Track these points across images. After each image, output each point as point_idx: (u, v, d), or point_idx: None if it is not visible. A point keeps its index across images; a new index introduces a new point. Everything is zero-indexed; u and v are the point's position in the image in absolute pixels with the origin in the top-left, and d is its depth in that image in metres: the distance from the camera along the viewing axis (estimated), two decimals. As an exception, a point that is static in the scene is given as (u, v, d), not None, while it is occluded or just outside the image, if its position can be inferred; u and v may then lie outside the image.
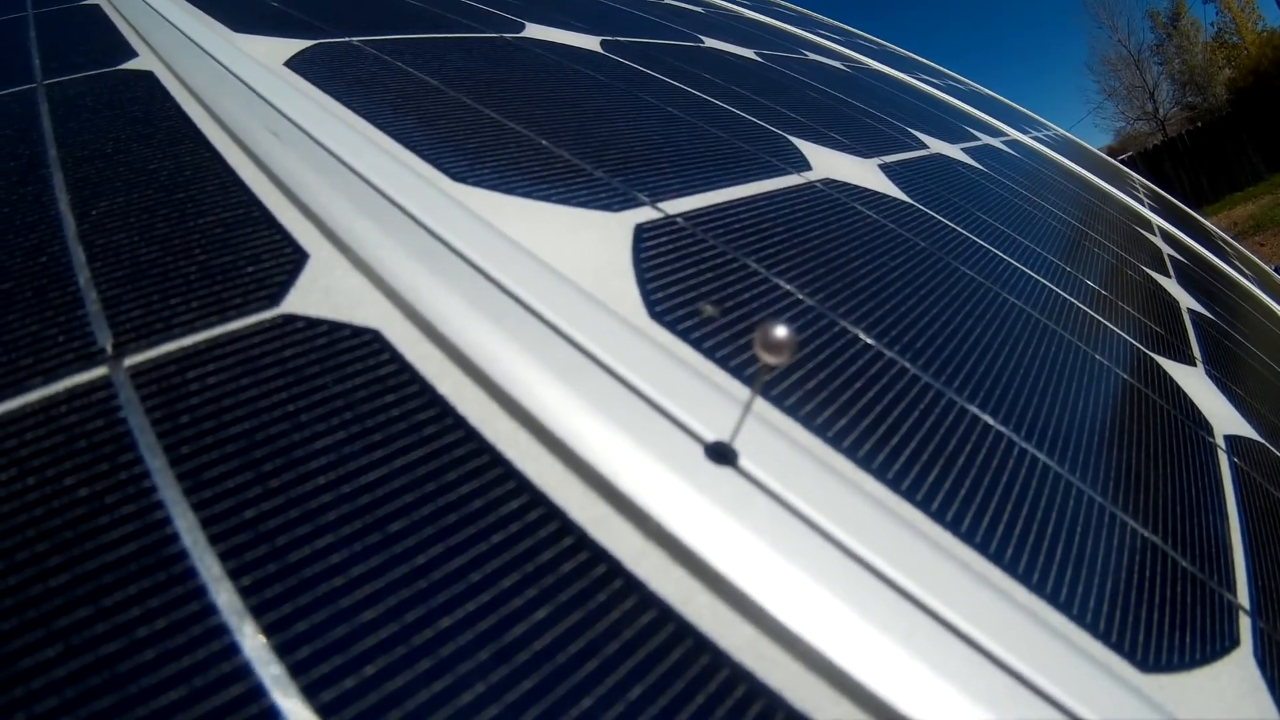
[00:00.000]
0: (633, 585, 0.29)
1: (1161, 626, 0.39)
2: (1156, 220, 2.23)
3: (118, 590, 0.27)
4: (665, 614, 0.29)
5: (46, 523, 0.29)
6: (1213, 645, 0.41)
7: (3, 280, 0.41)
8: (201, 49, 0.72)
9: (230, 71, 0.65)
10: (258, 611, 0.26)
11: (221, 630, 0.26)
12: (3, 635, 0.25)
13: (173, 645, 0.25)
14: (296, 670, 0.25)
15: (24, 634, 0.25)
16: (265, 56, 0.73)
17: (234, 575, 0.27)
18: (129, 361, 0.36)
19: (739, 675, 0.28)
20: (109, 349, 0.37)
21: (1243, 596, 0.47)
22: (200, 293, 0.40)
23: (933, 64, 3.92)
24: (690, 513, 0.31)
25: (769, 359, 0.31)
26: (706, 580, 0.30)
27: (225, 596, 0.27)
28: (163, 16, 0.84)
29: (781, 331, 0.31)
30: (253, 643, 0.25)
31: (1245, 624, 0.45)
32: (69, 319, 0.39)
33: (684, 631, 0.28)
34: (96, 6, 0.98)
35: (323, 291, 0.40)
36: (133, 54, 0.76)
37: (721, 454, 0.34)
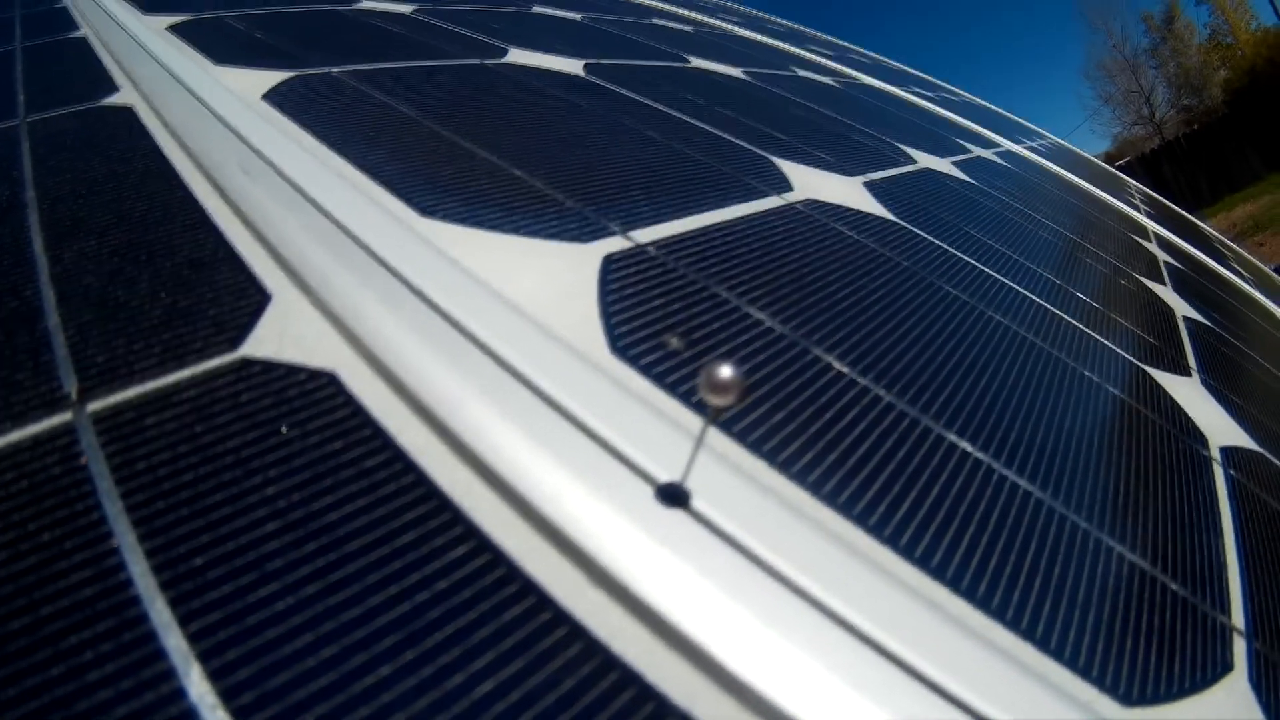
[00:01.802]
0: (577, 632, 0.30)
1: (1148, 656, 0.39)
2: (1152, 226, 2.24)
3: (71, 633, 0.28)
4: (609, 661, 0.30)
5: (6, 566, 0.30)
6: (1204, 672, 0.41)
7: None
8: (181, 83, 0.73)
9: (207, 106, 0.67)
10: (204, 657, 0.27)
11: (169, 674, 0.27)
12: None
13: (122, 688, 0.26)
14: (239, 715, 0.26)
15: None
16: (243, 89, 0.74)
17: (183, 621, 0.28)
18: (92, 407, 0.37)
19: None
20: (74, 394, 0.38)
21: (1238, 617, 0.47)
22: (164, 336, 0.41)
23: (927, 76, 3.93)
24: (636, 555, 0.32)
25: (717, 401, 0.32)
26: (650, 623, 0.31)
27: (174, 641, 0.28)
28: (145, 49, 0.86)
29: (726, 372, 0.31)
30: (198, 688, 0.26)
31: (1240, 647, 0.45)
32: (37, 362, 0.40)
33: (628, 679, 0.29)
34: (84, 39, 1.00)
35: (283, 334, 0.41)
36: (115, 88, 0.77)
37: (673, 495, 0.35)
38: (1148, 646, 0.40)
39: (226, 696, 0.27)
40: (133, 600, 0.29)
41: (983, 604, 0.37)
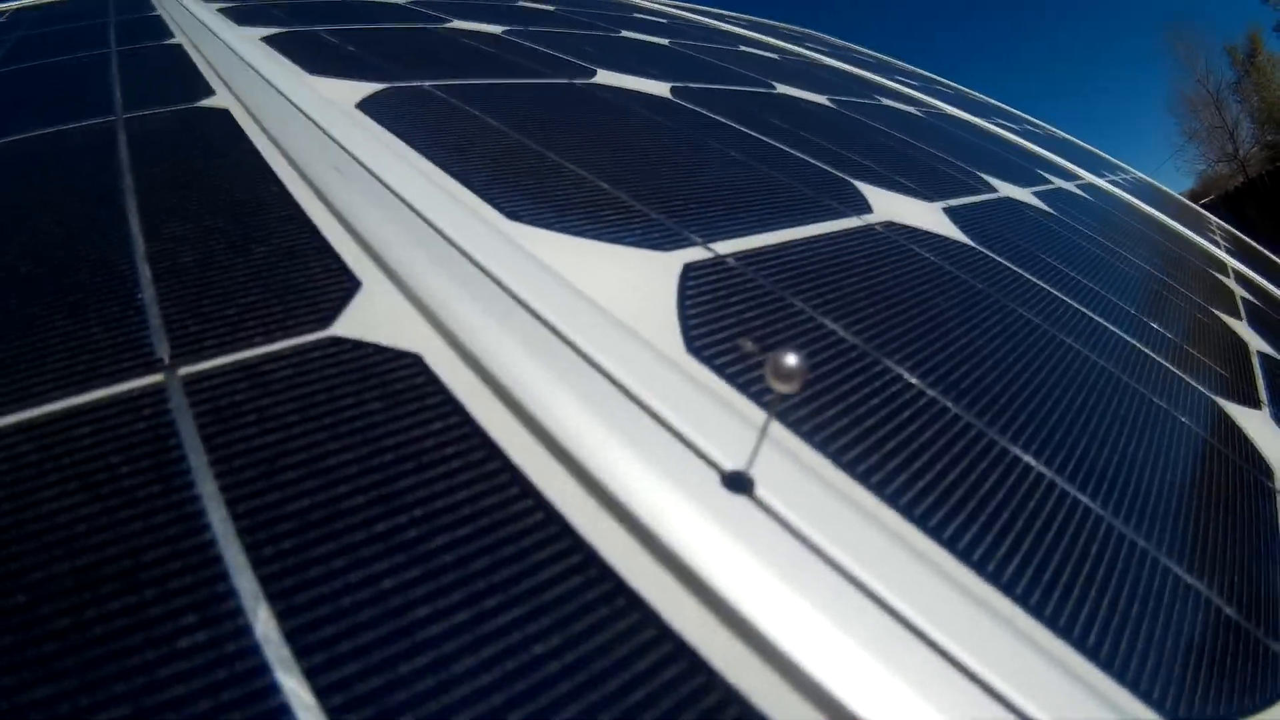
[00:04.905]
0: (635, 603, 0.32)
1: (1197, 677, 0.40)
2: (1231, 262, 2.21)
3: (154, 568, 0.31)
4: (665, 633, 0.31)
5: (99, 504, 0.33)
6: (1253, 698, 0.41)
7: (77, 292, 0.47)
8: (276, 89, 0.79)
9: (301, 110, 0.72)
10: (273, 599, 0.30)
11: (238, 611, 0.29)
12: (53, 601, 0.29)
13: (194, 620, 0.29)
14: (301, 654, 0.28)
15: (66, 598, 0.29)
16: (337, 97, 0.80)
17: (256, 565, 0.31)
18: (183, 371, 0.41)
19: (730, 697, 0.29)
20: (166, 359, 0.41)
21: (1291, 647, 0.47)
22: (256, 312, 0.45)
23: (1010, 109, 3.93)
24: (698, 536, 0.33)
25: (781, 387, 0.33)
26: (707, 601, 0.32)
27: (246, 583, 0.30)
28: (241, 57, 0.92)
29: (791, 359, 0.33)
30: (265, 625, 0.29)
31: (1292, 676, 0.45)
32: (132, 330, 0.44)
33: (681, 652, 0.31)
34: (179, 45, 1.08)
35: (371, 318, 0.45)
36: (210, 92, 0.84)
37: (737, 482, 0.37)
38: (1198, 668, 0.41)
39: (290, 634, 0.29)
40: (210, 542, 0.32)
41: (1035, 610, 0.38)
